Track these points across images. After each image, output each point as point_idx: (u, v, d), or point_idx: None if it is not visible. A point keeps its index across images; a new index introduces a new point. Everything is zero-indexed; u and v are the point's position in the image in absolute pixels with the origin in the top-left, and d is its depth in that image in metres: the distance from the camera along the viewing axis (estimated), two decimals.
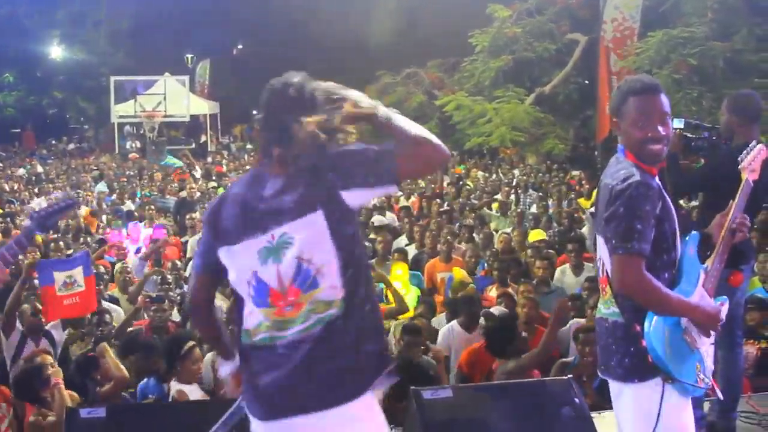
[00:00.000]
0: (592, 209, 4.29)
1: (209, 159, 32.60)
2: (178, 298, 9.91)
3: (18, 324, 8.51)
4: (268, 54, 42.31)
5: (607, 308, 4.00)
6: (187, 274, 11.51)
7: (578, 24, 27.07)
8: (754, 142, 4.56)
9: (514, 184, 20.01)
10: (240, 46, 50.62)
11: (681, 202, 14.29)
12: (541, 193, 18.33)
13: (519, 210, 15.55)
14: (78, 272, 8.92)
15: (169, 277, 11.00)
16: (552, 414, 5.50)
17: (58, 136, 41.97)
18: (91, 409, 5.40)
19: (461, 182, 21.07)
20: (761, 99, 5.95)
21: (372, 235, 12.39)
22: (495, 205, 16.70)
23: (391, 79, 31.39)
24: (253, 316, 3.47)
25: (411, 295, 9.85)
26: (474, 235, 13.22)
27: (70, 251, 12.24)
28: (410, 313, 9.08)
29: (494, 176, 22.71)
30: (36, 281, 9.16)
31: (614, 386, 4.04)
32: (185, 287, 10.60)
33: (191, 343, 7.06)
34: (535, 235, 12.59)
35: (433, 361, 8.25)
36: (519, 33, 27.14)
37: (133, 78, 33.44)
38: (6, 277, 5.68)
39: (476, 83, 27.64)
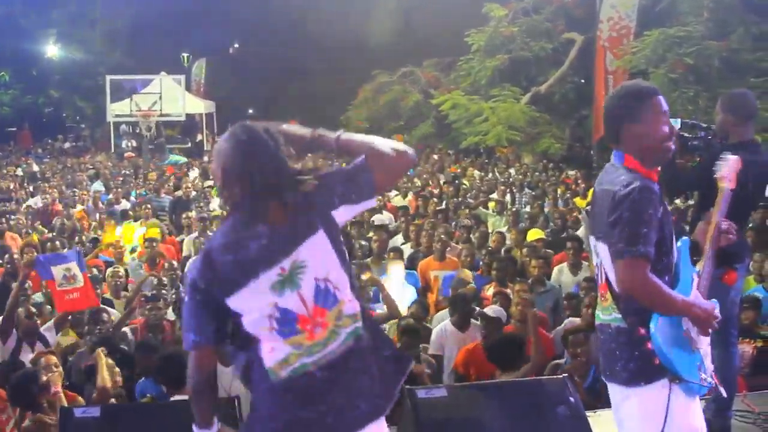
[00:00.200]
0: (588, 208, 4.31)
1: (205, 158, 32.55)
2: (173, 297, 9.89)
3: (14, 330, 8.50)
4: (265, 54, 42.36)
5: (608, 314, 4.01)
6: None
7: (574, 23, 27.08)
8: (729, 155, 4.59)
9: (510, 183, 20.02)
10: (236, 46, 50.56)
11: (677, 201, 14.34)
12: (535, 193, 18.31)
13: (514, 209, 15.54)
14: (74, 266, 8.94)
15: (164, 277, 11.00)
16: (547, 413, 5.49)
17: (54, 135, 41.91)
18: (85, 408, 5.39)
19: (457, 181, 21.06)
20: (756, 98, 5.94)
21: (370, 234, 12.36)
22: (491, 204, 16.70)
23: (388, 78, 31.41)
24: (277, 351, 3.37)
25: (407, 295, 9.83)
26: (470, 234, 13.20)
27: (65, 251, 12.20)
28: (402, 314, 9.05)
29: (490, 175, 22.70)
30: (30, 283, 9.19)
31: (618, 391, 4.04)
32: (181, 287, 10.59)
33: None
34: (534, 234, 12.57)
35: (432, 359, 8.27)
36: (515, 32, 27.16)
37: (129, 77, 33.37)
38: None
39: (472, 82, 27.66)
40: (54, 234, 14.45)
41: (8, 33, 39.60)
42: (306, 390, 3.38)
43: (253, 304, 3.35)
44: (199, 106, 38.35)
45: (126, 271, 11.89)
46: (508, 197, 17.63)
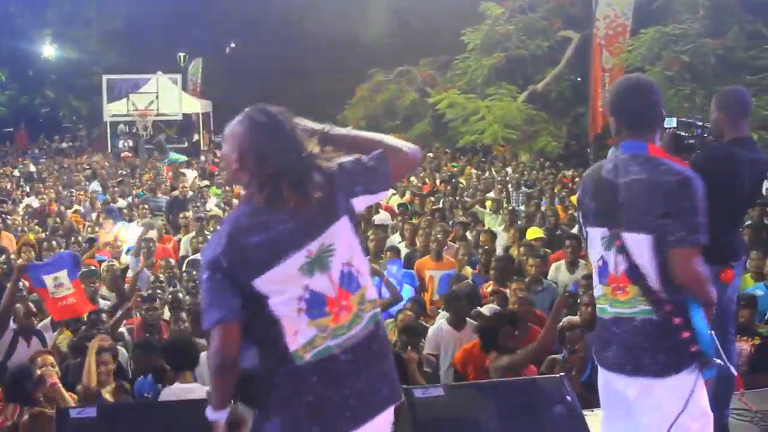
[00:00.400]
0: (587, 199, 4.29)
1: (202, 158, 32.52)
2: (170, 296, 9.89)
3: (10, 326, 8.50)
4: (261, 53, 42.25)
5: (629, 307, 4.00)
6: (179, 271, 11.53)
7: (571, 21, 27.11)
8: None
9: (506, 181, 20.00)
10: (232, 45, 50.49)
11: None
12: (532, 191, 18.30)
13: (510, 208, 15.54)
14: (63, 275, 8.89)
15: (161, 275, 11.00)
16: (544, 412, 5.49)
17: (51, 136, 41.83)
18: (81, 408, 5.38)
19: (454, 180, 21.04)
20: (752, 95, 5.93)
21: (369, 233, 12.36)
22: (488, 203, 16.69)
23: (384, 77, 31.41)
24: (302, 334, 3.39)
25: (405, 294, 9.83)
26: (467, 233, 13.19)
27: (61, 250, 12.18)
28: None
29: (487, 174, 22.69)
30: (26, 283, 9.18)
31: (638, 384, 4.02)
32: (178, 285, 10.59)
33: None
34: (533, 233, 12.55)
35: (432, 358, 8.28)
36: (511, 30, 27.17)
37: (126, 77, 33.29)
38: None
39: (469, 81, 27.67)
40: (47, 234, 14.43)
41: (3, 33, 39.51)
42: (330, 372, 3.40)
43: (282, 285, 3.37)
44: (195, 105, 38.28)
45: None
46: (504, 196, 17.60)
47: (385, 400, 3.52)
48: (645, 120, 4.11)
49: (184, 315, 8.94)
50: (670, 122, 5.38)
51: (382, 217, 14.86)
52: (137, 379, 7.65)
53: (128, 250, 13.14)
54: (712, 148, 5.46)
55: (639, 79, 4.28)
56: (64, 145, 41.10)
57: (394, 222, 14.75)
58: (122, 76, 33.04)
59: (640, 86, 4.17)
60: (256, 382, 3.44)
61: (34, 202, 19.55)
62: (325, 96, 34.47)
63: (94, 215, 17.53)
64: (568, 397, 5.50)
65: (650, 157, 3.98)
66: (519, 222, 14.19)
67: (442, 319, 8.79)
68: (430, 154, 28.53)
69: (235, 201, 18.90)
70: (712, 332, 3.85)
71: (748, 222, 11.19)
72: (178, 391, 6.68)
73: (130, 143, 33.89)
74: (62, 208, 17.89)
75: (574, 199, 16.54)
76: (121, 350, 8.26)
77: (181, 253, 13.94)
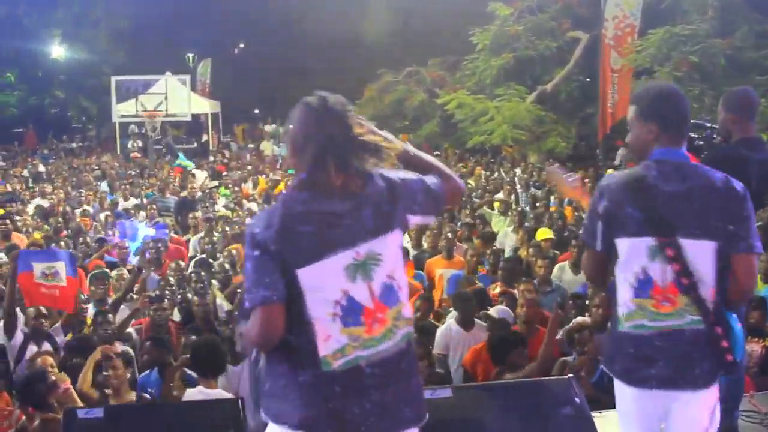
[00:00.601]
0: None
1: (211, 158, 32.59)
2: (179, 297, 9.89)
3: (19, 325, 8.49)
4: (270, 53, 42.34)
5: (679, 318, 3.94)
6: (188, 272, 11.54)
7: (579, 22, 27.01)
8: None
9: (514, 182, 19.96)
10: (241, 46, 50.58)
11: None
12: (541, 192, 18.26)
13: (519, 209, 15.52)
14: (60, 266, 8.84)
15: (170, 277, 11.01)
16: (552, 414, 5.49)
17: (60, 136, 41.93)
18: (88, 409, 5.39)
19: (463, 180, 20.97)
20: (760, 96, 5.91)
21: None
22: (496, 204, 16.68)
23: (392, 77, 31.34)
24: (333, 340, 3.34)
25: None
26: (473, 234, 13.18)
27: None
28: None
29: (496, 175, 22.65)
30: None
31: (683, 397, 3.98)
32: (187, 288, 10.59)
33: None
34: (542, 234, 12.53)
35: (442, 358, 8.29)
36: (520, 31, 27.07)
37: (135, 77, 33.34)
38: None
39: (477, 81, 27.57)
40: (51, 233, 14.45)
41: (12, 34, 39.62)
42: (354, 383, 3.36)
43: (322, 282, 3.33)
44: (204, 106, 38.35)
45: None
46: (513, 197, 17.58)
47: (407, 421, 3.47)
48: (685, 128, 4.11)
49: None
50: None
51: None
52: (142, 374, 7.65)
53: (136, 252, 13.15)
54: (720, 148, 5.45)
55: (675, 87, 4.30)
56: (74, 145, 41.23)
57: None
58: (131, 77, 33.12)
59: (679, 94, 4.16)
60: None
61: (45, 203, 19.60)
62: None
63: (102, 215, 17.57)
64: (577, 399, 5.50)
65: (695, 164, 4.02)
66: (527, 223, 14.17)
67: (451, 319, 8.79)
68: (436, 153, 28.56)
69: (244, 202, 18.95)
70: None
71: (758, 223, 11.15)
72: (199, 396, 6.66)
73: (140, 144, 33.97)
74: (68, 209, 17.94)
75: None
76: (129, 351, 8.26)
77: (190, 253, 13.97)
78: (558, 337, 7.92)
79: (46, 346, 8.26)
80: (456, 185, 3.70)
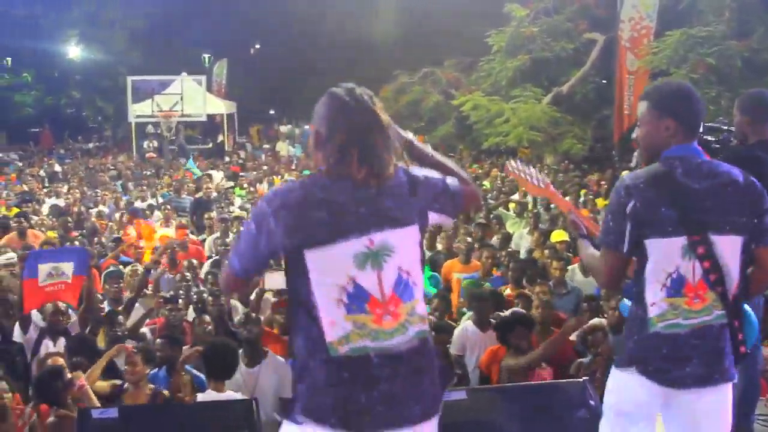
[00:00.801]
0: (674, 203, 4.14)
1: (227, 158, 32.68)
2: (195, 297, 9.90)
3: (34, 320, 8.51)
4: (286, 54, 42.41)
5: (709, 314, 3.94)
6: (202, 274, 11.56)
7: (596, 23, 26.94)
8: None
9: None
10: (257, 46, 50.70)
11: None
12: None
13: (534, 211, 15.49)
14: (67, 267, 8.83)
15: (188, 275, 11.03)
16: (566, 416, 5.48)
17: (76, 136, 42.13)
18: (102, 409, 5.40)
19: (477, 182, 20.98)
20: None
21: None
22: (512, 206, 16.66)
23: (408, 78, 31.38)
24: (338, 326, 3.31)
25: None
26: (487, 236, 13.16)
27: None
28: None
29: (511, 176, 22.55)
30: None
31: (715, 392, 4.00)
32: (201, 287, 10.60)
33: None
34: (558, 236, 12.49)
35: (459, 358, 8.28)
36: (536, 32, 27.03)
37: (150, 78, 33.47)
38: None
39: (493, 83, 27.56)
40: (62, 233, 14.47)
41: (29, 34, 39.86)
42: (361, 372, 3.33)
43: (331, 265, 3.31)
44: (220, 106, 38.46)
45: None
46: (528, 198, 17.54)
47: (414, 417, 3.41)
48: (700, 124, 4.14)
49: (207, 317, 8.93)
50: None
51: None
52: (151, 371, 7.65)
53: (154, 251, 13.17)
54: (736, 150, 5.43)
55: (689, 84, 4.36)
56: (90, 145, 41.42)
57: None
58: (147, 77, 33.27)
59: (694, 90, 4.20)
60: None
61: (60, 202, 19.68)
62: None
63: (117, 215, 17.63)
64: (591, 401, 5.48)
65: (712, 160, 4.05)
66: (542, 225, 14.15)
67: (467, 320, 8.78)
68: (451, 155, 28.54)
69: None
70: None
71: None
72: (209, 399, 6.67)
73: (155, 144, 34.08)
74: (83, 209, 17.99)
75: (600, 202, 16.45)
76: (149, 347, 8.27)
77: (206, 253, 13.98)
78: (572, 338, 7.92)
79: (62, 342, 8.28)
80: (474, 190, 3.72)
